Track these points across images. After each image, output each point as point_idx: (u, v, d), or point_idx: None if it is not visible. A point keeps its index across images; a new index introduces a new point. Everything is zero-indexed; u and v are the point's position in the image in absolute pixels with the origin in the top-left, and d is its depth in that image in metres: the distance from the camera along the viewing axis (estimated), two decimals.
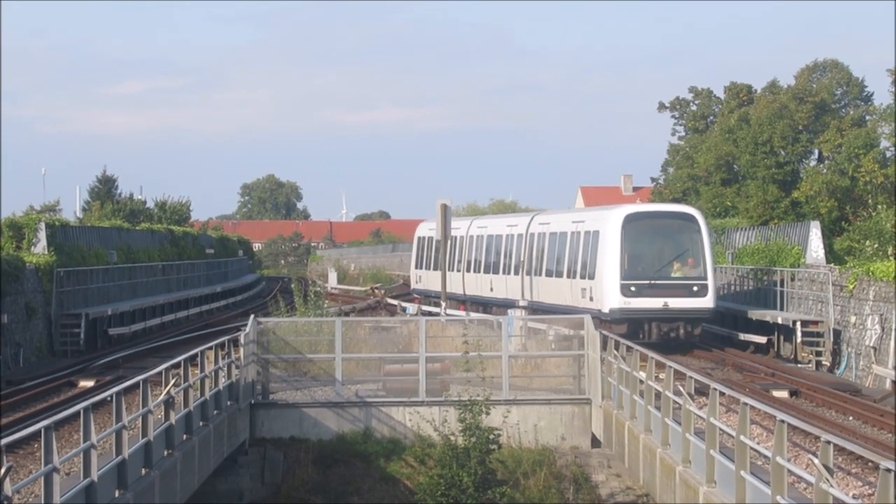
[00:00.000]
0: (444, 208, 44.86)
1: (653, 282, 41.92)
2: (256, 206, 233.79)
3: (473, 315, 50.72)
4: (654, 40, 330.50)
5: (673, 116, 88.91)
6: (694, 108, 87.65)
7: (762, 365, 39.84)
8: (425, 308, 58.01)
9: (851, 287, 40.33)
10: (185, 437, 24.42)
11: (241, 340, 31.52)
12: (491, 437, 29.04)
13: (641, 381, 26.26)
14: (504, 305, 51.23)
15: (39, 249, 49.48)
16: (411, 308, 59.94)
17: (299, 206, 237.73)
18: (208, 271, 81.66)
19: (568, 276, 45.87)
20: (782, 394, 33.59)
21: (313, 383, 33.65)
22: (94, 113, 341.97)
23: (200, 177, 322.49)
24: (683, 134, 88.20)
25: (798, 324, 41.96)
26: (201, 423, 25.99)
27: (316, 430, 32.26)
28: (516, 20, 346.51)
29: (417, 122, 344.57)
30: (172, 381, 23.34)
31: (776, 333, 43.93)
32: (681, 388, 22.46)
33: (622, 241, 42.25)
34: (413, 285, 68.89)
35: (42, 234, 49.94)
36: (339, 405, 32.57)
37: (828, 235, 55.08)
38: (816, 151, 75.52)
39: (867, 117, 74.49)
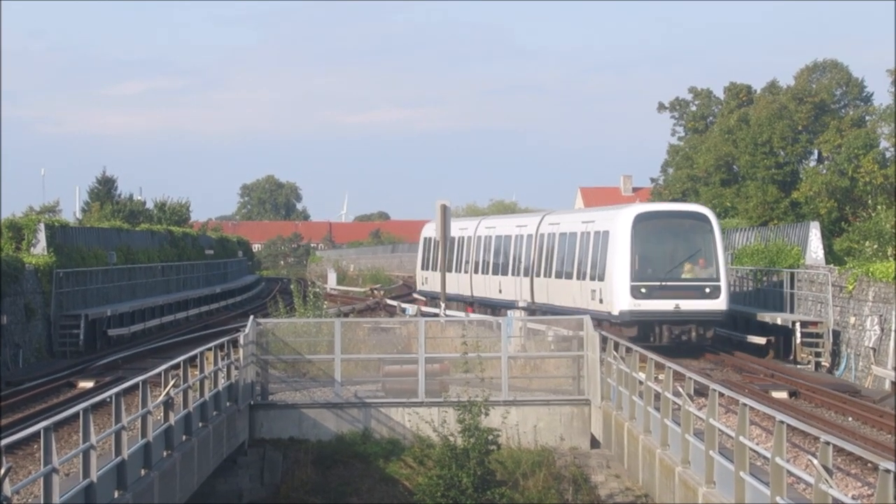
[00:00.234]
0: (444, 209, 44.80)
1: (664, 283, 41.22)
2: (256, 207, 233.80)
3: (473, 316, 50.60)
4: (653, 40, 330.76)
5: (672, 117, 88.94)
6: (693, 108, 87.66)
7: (761, 366, 39.81)
8: (425, 309, 57.75)
9: (851, 288, 40.31)
10: (184, 437, 24.42)
11: (241, 341, 31.52)
12: (490, 437, 29.03)
13: (641, 382, 26.25)
14: (513, 308, 50.33)
15: (39, 250, 49.47)
16: (411, 309, 59.84)
17: (299, 206, 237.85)
18: (208, 272, 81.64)
19: (577, 278, 45.12)
20: (781, 394, 33.58)
21: (312, 384, 33.63)
22: (93, 113, 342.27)
23: (200, 177, 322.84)
24: (683, 134, 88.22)
25: (797, 324, 41.87)
26: (201, 424, 25.98)
27: (315, 430, 32.25)
28: (516, 20, 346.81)
29: (417, 123, 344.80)
30: (172, 382, 23.33)
31: (776, 334, 43.83)
32: (680, 389, 22.46)
33: (632, 242, 41.55)
34: (419, 286, 67.90)
35: (41, 235, 49.93)
36: (338, 406, 32.56)
37: (827, 236, 55.09)
38: (816, 152, 75.51)
39: (867, 118, 74.47)
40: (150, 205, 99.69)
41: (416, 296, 70.88)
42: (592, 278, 43.57)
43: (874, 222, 55.90)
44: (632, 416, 27.01)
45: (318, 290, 47.98)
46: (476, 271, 57.41)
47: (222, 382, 29.01)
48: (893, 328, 36.60)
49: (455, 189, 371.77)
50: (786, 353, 42.63)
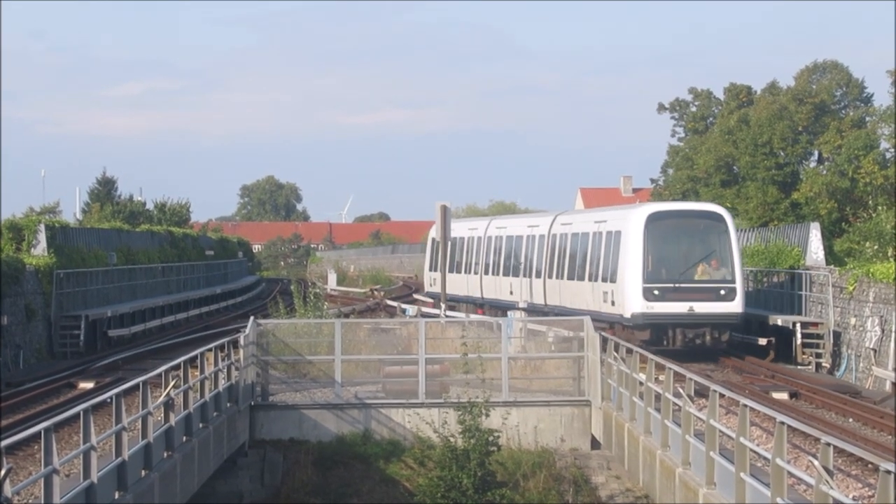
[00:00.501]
0: (444, 210, 44.81)
1: (677, 285, 40.14)
2: (256, 208, 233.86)
3: (473, 317, 50.47)
4: (653, 41, 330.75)
5: (672, 118, 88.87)
6: (693, 109, 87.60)
7: (762, 366, 39.76)
8: (425, 310, 57.59)
9: (851, 289, 40.29)
10: (184, 438, 24.42)
11: (241, 342, 31.52)
12: (490, 438, 29.04)
13: (641, 383, 26.25)
14: (525, 311, 49.06)
15: (39, 251, 49.47)
16: (411, 310, 59.77)
17: (299, 207, 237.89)
18: (208, 273, 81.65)
19: (589, 280, 44.08)
20: (782, 395, 33.58)
21: (313, 385, 33.64)
22: (93, 114, 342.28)
23: (200, 178, 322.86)
24: (683, 135, 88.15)
25: (798, 325, 41.78)
26: (201, 425, 25.98)
27: (315, 431, 32.25)
28: (516, 21, 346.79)
29: (417, 124, 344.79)
30: (172, 383, 23.34)
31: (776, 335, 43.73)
32: (680, 390, 22.46)
33: (645, 242, 40.41)
34: (426, 288, 66.84)
35: (42, 236, 49.94)
36: (338, 407, 32.55)
37: (828, 237, 55.06)
38: (816, 153, 75.46)
39: (867, 118, 74.42)
40: (150, 205, 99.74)
41: (421, 297, 70.36)
42: (604, 280, 42.53)
43: (874, 223, 55.89)
44: (632, 416, 27.01)
45: (318, 290, 47.97)
46: (486, 272, 56.29)
47: (223, 383, 29.01)
48: (894, 329, 36.60)
49: (455, 190, 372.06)
50: (786, 354, 42.56)
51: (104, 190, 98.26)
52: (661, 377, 24.74)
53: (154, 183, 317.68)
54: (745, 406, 18.58)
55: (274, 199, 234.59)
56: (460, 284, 59.29)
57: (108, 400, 19.92)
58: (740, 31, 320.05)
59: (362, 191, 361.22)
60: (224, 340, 30.75)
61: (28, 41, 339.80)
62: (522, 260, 51.91)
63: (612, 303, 41.58)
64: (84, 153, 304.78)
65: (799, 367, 41.01)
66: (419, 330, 32.92)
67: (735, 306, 40.23)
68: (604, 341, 31.24)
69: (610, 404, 30.01)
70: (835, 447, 15.18)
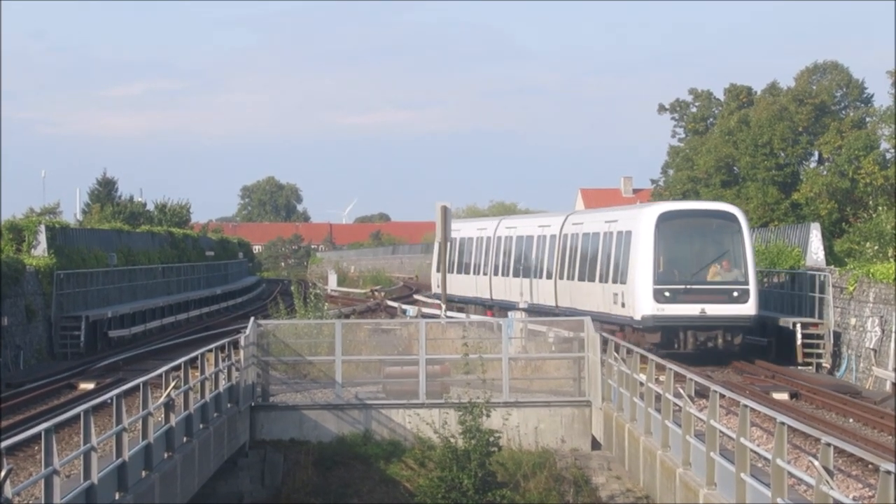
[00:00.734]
0: (444, 210, 44.79)
1: (689, 286, 39.16)
2: (256, 209, 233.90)
3: (473, 317, 50.36)
4: (654, 42, 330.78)
5: (673, 118, 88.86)
6: (694, 109, 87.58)
7: (762, 367, 39.71)
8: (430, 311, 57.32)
9: (851, 289, 40.27)
10: (185, 439, 24.41)
11: (241, 343, 31.51)
12: (491, 439, 29.04)
13: (641, 384, 26.24)
14: (536, 312, 48.07)
15: (39, 252, 49.48)
16: (411, 310, 59.73)
17: (299, 208, 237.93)
18: (208, 274, 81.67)
19: (600, 281, 43.20)
20: (782, 396, 33.57)
21: (313, 385, 33.64)
22: (94, 115, 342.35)
23: (200, 179, 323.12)
24: (683, 136, 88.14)
25: (798, 326, 41.70)
26: (201, 426, 25.97)
27: (316, 432, 32.24)
28: (516, 21, 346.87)
29: (417, 125, 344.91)
30: (173, 384, 23.34)
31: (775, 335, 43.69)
32: (681, 391, 22.45)
33: (655, 243, 39.47)
34: (434, 289, 65.71)
35: (42, 237, 49.94)
36: (339, 407, 32.54)
37: (828, 237, 55.02)
38: (816, 153, 75.46)
39: (867, 119, 74.42)
40: (150, 206, 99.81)
41: (427, 299, 69.96)
42: (615, 281, 41.65)
43: (875, 223, 55.89)
44: (633, 417, 27.01)
45: (318, 291, 47.97)
46: (496, 273, 55.41)
47: (223, 384, 29.00)
48: (894, 329, 36.60)
49: (455, 190, 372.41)
50: (786, 355, 42.52)
51: (104, 191, 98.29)
52: (662, 378, 24.74)
53: (154, 183, 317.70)
54: (746, 406, 18.58)
55: (274, 200, 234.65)
56: (469, 286, 58.67)
57: (109, 401, 19.92)
58: (740, 31, 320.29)
59: (362, 191, 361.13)
60: (224, 341, 30.74)
61: (28, 41, 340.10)
62: (533, 261, 51.02)
63: (622, 304, 40.75)
64: (84, 153, 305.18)
65: (799, 367, 40.93)
66: (420, 330, 32.91)
67: (748, 308, 39.37)
68: (604, 342, 31.22)
69: (610, 405, 30.00)
70: (835, 447, 15.18)
